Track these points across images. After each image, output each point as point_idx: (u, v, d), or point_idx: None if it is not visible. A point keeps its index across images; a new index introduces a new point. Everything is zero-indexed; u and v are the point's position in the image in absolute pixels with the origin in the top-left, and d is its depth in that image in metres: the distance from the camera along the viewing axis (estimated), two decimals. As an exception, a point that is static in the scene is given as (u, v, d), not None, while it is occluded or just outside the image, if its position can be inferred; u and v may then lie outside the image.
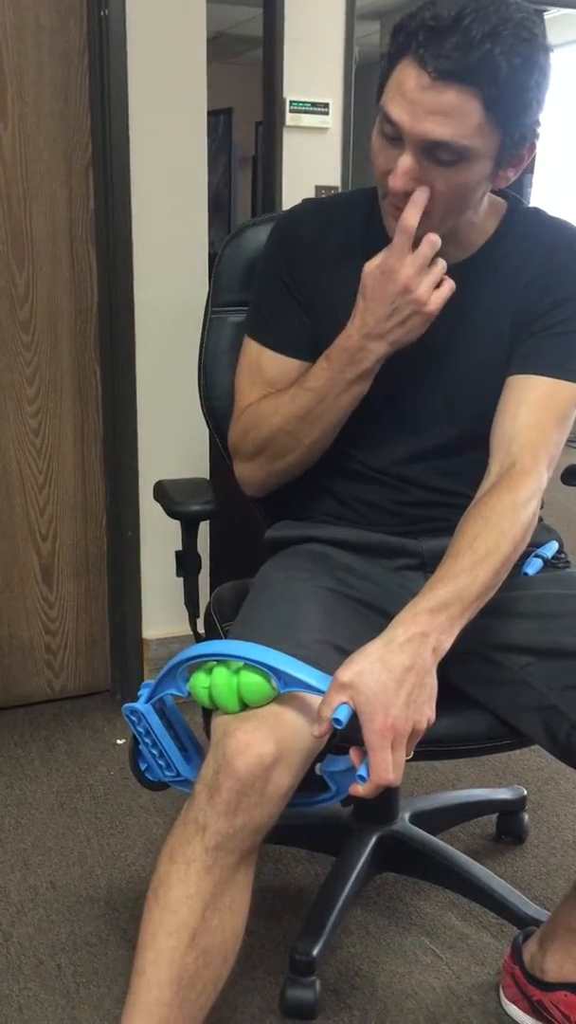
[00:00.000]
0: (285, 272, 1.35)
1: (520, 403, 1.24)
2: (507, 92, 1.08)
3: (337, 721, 0.99)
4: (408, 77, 1.09)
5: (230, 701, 1.05)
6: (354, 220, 1.34)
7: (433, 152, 1.12)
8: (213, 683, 1.06)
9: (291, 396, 1.31)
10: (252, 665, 1.05)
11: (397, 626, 1.05)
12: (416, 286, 1.19)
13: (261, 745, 1.02)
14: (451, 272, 1.28)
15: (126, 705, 1.17)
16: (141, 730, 1.17)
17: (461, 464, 1.30)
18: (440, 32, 1.05)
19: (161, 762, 1.18)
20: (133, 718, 1.17)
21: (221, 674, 1.06)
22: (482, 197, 1.23)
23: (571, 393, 1.25)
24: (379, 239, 1.30)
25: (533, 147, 1.17)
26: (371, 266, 1.21)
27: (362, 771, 1.00)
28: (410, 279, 1.19)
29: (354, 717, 1.00)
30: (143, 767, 1.20)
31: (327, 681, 1.02)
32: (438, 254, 1.25)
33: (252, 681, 1.04)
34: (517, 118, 1.11)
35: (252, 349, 1.38)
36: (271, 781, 1.03)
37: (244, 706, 1.06)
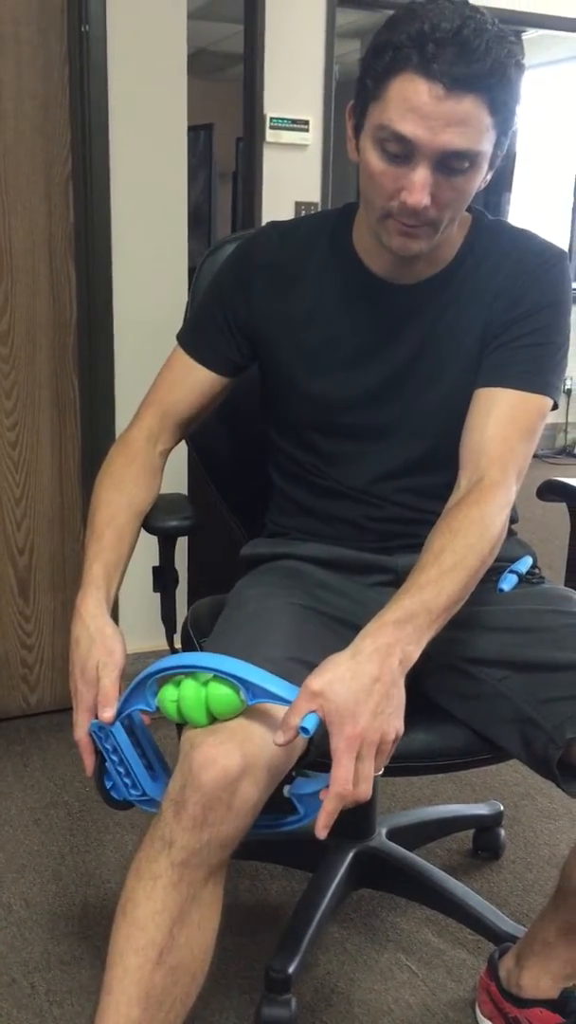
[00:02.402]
0: (228, 297, 1.37)
1: (487, 416, 1.24)
2: (508, 94, 1.11)
3: (304, 730, 0.98)
4: (418, 92, 1.08)
5: (198, 714, 1.05)
6: (318, 239, 1.34)
7: (448, 162, 1.12)
8: (181, 696, 1.05)
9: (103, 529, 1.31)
10: (220, 677, 1.04)
11: (364, 638, 1.05)
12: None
13: (227, 758, 1.02)
14: (421, 287, 1.30)
15: (93, 721, 1.16)
16: (108, 747, 1.15)
17: (435, 481, 1.31)
18: (446, 43, 1.06)
19: (127, 780, 1.16)
20: (100, 734, 1.16)
21: (189, 686, 1.05)
22: None
23: (538, 405, 1.26)
24: (344, 258, 1.32)
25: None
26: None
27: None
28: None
29: (320, 730, 0.99)
30: (108, 785, 1.18)
31: (295, 692, 1.02)
32: (411, 268, 1.26)
33: (220, 693, 1.04)
34: (511, 118, 1.14)
35: (174, 352, 1.41)
36: (237, 795, 1.02)
37: (213, 719, 1.05)
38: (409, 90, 1.08)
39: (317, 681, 1.01)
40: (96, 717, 1.15)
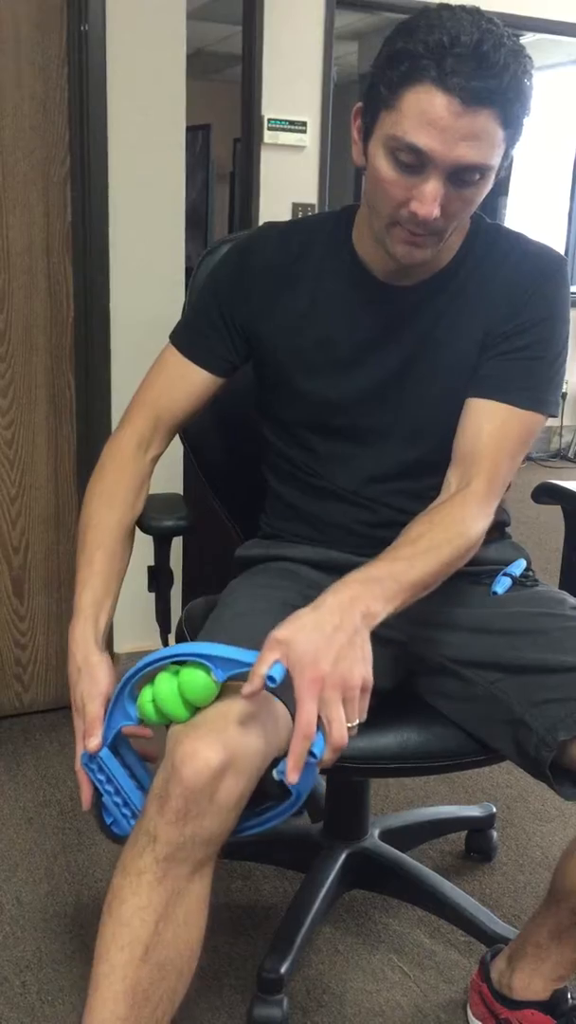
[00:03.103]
0: (224, 296, 1.36)
1: (480, 427, 1.26)
2: (521, 108, 1.11)
3: (271, 679, 0.99)
4: (434, 104, 1.07)
5: (176, 706, 1.05)
6: (316, 241, 1.34)
7: (459, 175, 1.12)
8: (156, 692, 1.06)
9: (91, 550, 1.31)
10: (190, 662, 1.04)
11: (328, 593, 1.07)
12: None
13: (209, 751, 1.02)
14: (419, 289, 1.30)
15: (83, 753, 1.15)
16: (102, 778, 1.15)
17: (429, 484, 1.31)
18: (466, 57, 1.05)
19: (126, 811, 1.15)
20: (92, 766, 1.15)
21: (163, 680, 1.06)
22: None
23: (531, 422, 1.27)
24: (343, 259, 1.32)
25: None
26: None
27: (315, 747, 0.99)
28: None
29: (288, 682, 1.00)
30: (109, 821, 1.17)
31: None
32: (410, 271, 1.26)
33: (191, 676, 1.04)
34: (520, 130, 1.14)
35: (166, 352, 1.40)
36: (221, 788, 1.02)
37: (193, 710, 1.05)
38: (426, 102, 1.08)
39: (281, 631, 1.02)
40: (85, 747, 1.16)
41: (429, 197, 1.12)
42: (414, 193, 1.13)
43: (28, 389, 2.18)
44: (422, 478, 1.33)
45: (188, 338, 1.39)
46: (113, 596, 1.30)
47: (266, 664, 1.00)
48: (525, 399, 1.26)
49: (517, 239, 1.31)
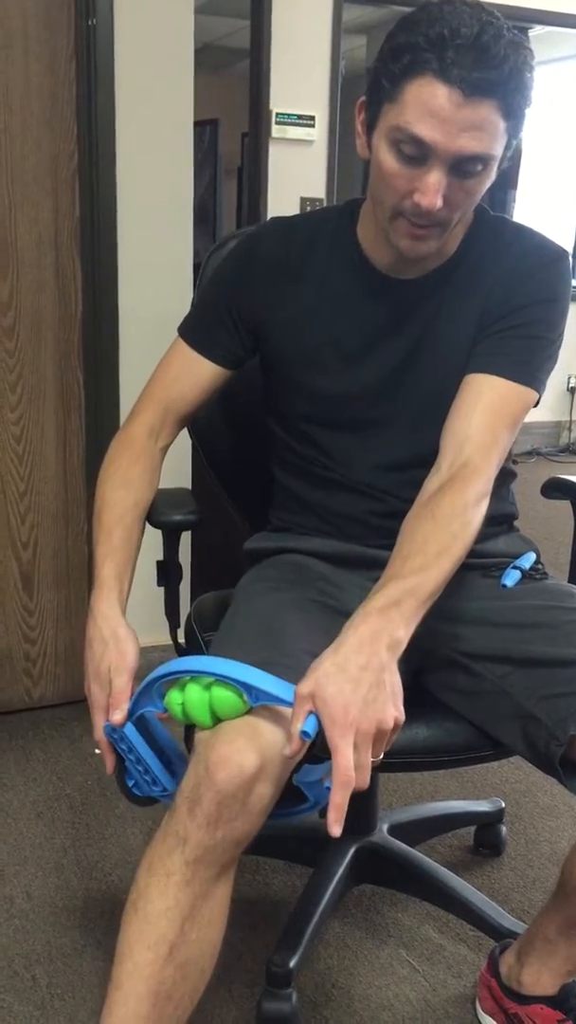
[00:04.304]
0: (231, 291, 1.37)
1: (475, 402, 1.25)
2: (523, 100, 1.12)
3: (305, 734, 0.99)
4: (436, 96, 1.09)
5: (203, 716, 1.05)
6: (322, 235, 1.35)
7: (462, 166, 1.13)
8: (186, 699, 1.06)
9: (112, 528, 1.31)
10: (223, 680, 1.05)
11: (347, 629, 1.06)
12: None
13: (242, 757, 1.02)
14: (423, 281, 1.30)
15: (106, 724, 1.16)
16: (124, 748, 1.16)
17: None
18: (466, 49, 1.07)
19: (147, 778, 1.16)
20: (115, 736, 1.16)
21: (193, 690, 1.06)
22: None
23: (524, 397, 1.27)
24: (347, 253, 1.32)
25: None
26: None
27: (330, 782, 1.00)
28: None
29: (320, 729, 1.00)
30: (130, 783, 1.19)
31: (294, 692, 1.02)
32: (414, 263, 1.26)
33: (223, 696, 1.04)
34: (522, 121, 1.15)
35: (175, 344, 1.41)
36: (253, 793, 1.02)
37: (217, 720, 1.06)
38: (427, 94, 1.09)
39: (306, 684, 1.02)
40: (108, 719, 1.16)
41: (432, 188, 1.13)
42: (417, 184, 1.14)
43: (37, 384, 2.19)
44: (429, 467, 1.33)
45: (196, 331, 1.40)
46: (130, 572, 1.30)
47: (299, 720, 1.00)
48: (522, 373, 1.26)
49: (521, 231, 1.32)
